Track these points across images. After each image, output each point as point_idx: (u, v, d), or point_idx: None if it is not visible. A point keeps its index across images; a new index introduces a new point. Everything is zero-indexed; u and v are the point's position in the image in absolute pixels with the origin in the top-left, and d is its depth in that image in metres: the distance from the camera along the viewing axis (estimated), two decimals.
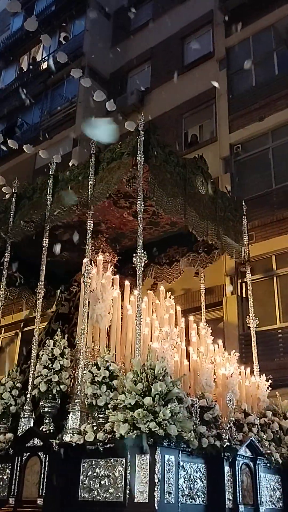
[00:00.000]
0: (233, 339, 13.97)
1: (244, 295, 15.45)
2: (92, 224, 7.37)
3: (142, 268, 6.61)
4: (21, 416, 6.86)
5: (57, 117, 21.29)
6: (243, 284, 15.51)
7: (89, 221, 7.35)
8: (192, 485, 5.96)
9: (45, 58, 23.33)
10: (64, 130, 20.75)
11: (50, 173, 8.22)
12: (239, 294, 15.31)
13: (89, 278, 6.95)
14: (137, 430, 5.47)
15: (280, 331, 14.07)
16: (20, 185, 8.80)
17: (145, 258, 6.61)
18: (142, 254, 6.60)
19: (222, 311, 15.11)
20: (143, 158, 7.00)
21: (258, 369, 8.13)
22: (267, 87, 17.27)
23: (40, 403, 6.64)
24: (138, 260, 6.58)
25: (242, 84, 18.28)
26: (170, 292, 8.57)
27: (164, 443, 5.50)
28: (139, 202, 6.84)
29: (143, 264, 6.58)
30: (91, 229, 7.34)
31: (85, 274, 6.95)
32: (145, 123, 7.31)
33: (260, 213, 14.91)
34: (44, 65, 23.06)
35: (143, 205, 6.86)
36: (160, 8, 21.16)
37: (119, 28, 22.55)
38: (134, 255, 6.62)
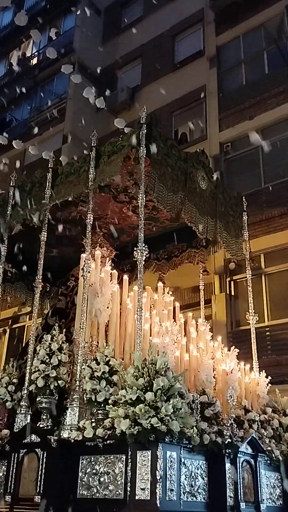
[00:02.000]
0: (222, 337, 13.97)
1: (232, 293, 15.51)
2: (92, 218, 7.26)
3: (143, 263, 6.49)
4: (17, 412, 6.73)
5: (46, 113, 21.14)
6: (232, 282, 15.57)
7: (89, 215, 7.23)
8: (193, 482, 5.87)
9: (35, 53, 23.17)
10: (54, 126, 20.63)
11: (49, 166, 8.09)
12: (228, 292, 15.34)
13: (89, 272, 6.83)
14: (138, 426, 5.35)
15: (268, 329, 14.09)
16: (17, 179, 8.65)
17: (146, 252, 6.50)
18: (144, 248, 6.50)
19: (211, 309, 15.11)
20: (144, 151, 6.89)
21: (258, 366, 8.08)
22: (257, 86, 17.33)
23: (37, 399, 6.51)
24: (139, 254, 6.47)
25: (232, 83, 18.33)
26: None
27: (166, 439, 5.40)
28: (140, 195, 6.73)
29: (144, 258, 6.47)
30: (91, 223, 7.22)
31: (84, 268, 6.83)
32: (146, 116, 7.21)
33: (249, 212, 14.92)
34: (34, 61, 22.91)
35: (144, 199, 6.76)
36: (151, 6, 21.10)
37: (109, 25, 22.48)
38: (135, 248, 6.51)
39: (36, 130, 20.47)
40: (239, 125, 17.23)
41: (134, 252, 6.51)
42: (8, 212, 8.27)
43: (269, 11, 18.00)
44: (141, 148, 6.93)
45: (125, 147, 7.14)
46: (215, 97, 18.22)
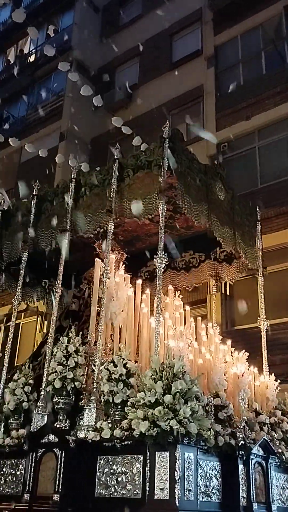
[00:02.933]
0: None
1: (228, 293, 15.66)
2: (112, 227, 7.39)
3: (162, 270, 6.66)
4: (34, 412, 6.87)
5: (44, 110, 21.16)
6: (227, 283, 15.72)
7: (110, 223, 7.37)
8: (208, 483, 6.03)
9: (33, 51, 23.14)
10: (51, 124, 20.67)
11: (71, 176, 8.17)
12: (223, 292, 15.47)
13: (108, 278, 6.98)
14: (157, 428, 5.51)
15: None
16: (40, 188, 8.73)
17: (165, 260, 6.66)
18: (163, 256, 6.67)
19: (206, 309, 15.25)
20: (166, 164, 7.06)
21: (268, 369, 8.27)
22: (255, 87, 17.48)
23: (54, 400, 6.64)
24: (158, 261, 6.63)
25: (230, 83, 18.41)
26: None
27: (184, 441, 5.56)
28: (160, 205, 6.93)
29: (163, 265, 6.63)
30: (112, 231, 7.37)
31: (104, 274, 6.98)
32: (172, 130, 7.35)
33: None
34: (32, 58, 22.89)
35: (165, 208, 6.93)
36: (149, 4, 21.18)
37: (108, 23, 22.51)
38: (155, 256, 6.68)
39: (33, 127, 20.52)
40: (236, 125, 17.36)
41: (154, 259, 6.67)
42: (31, 220, 8.37)
43: (267, 11, 18.15)
44: (163, 161, 7.09)
45: (152, 163, 7.25)
46: (212, 97, 18.36)
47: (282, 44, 17.64)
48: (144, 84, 20.26)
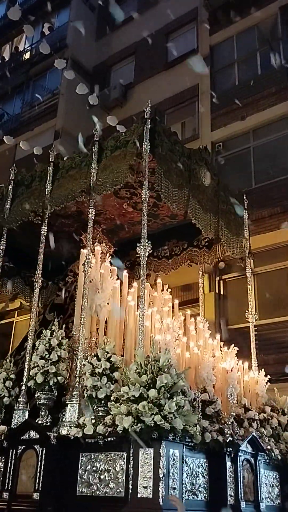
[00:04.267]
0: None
1: (221, 293, 15.52)
2: (93, 213, 7.18)
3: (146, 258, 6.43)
4: (15, 408, 6.64)
5: (38, 108, 20.98)
6: (221, 282, 15.59)
7: (90, 210, 7.16)
8: (194, 481, 5.84)
9: (28, 48, 22.99)
10: (46, 122, 20.49)
11: (50, 159, 7.99)
12: (217, 291, 15.34)
13: (90, 267, 6.75)
14: (141, 424, 5.29)
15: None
16: (17, 172, 8.57)
17: (149, 248, 6.43)
18: (147, 244, 6.43)
19: (198, 308, 15.09)
20: (149, 147, 6.83)
21: (257, 364, 8.08)
22: (250, 87, 17.31)
23: (36, 395, 6.44)
24: (142, 249, 6.40)
25: (225, 83, 18.31)
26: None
27: (169, 437, 5.34)
28: (143, 191, 6.65)
29: (147, 254, 6.40)
30: (93, 218, 7.15)
31: (85, 263, 6.75)
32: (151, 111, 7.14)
33: None
34: (27, 55, 22.73)
35: (148, 194, 6.68)
36: (145, 3, 21.05)
37: (103, 21, 22.33)
38: (138, 244, 6.44)
39: (27, 125, 20.34)
40: (231, 125, 17.24)
41: (137, 248, 6.43)
42: (7, 207, 8.16)
43: (263, 12, 18.01)
44: (144, 143, 6.85)
45: (129, 142, 7.05)
46: (207, 96, 18.22)
47: (278, 44, 17.49)
48: (139, 83, 20.08)
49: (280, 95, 16.65)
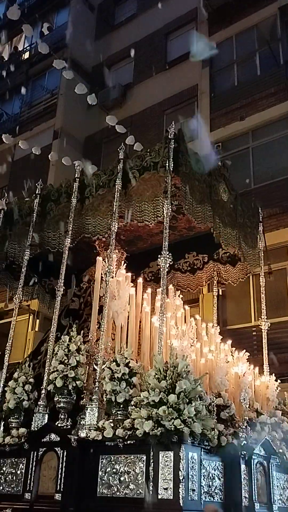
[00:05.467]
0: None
1: (220, 293, 15.68)
2: (116, 226, 7.35)
3: (167, 269, 6.64)
4: (35, 411, 6.83)
5: (37, 108, 21.07)
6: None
7: (113, 223, 7.32)
8: (210, 483, 6.02)
9: (27, 48, 23.02)
10: (45, 122, 20.59)
11: (75, 176, 8.09)
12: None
13: (112, 278, 6.95)
14: (161, 427, 5.49)
15: (254, 329, 14.25)
16: (43, 187, 8.66)
17: (170, 260, 6.64)
18: (168, 256, 6.64)
19: (198, 308, 15.25)
20: (172, 165, 7.03)
21: (268, 369, 8.28)
22: (249, 87, 17.51)
23: (55, 399, 6.59)
24: (163, 261, 6.61)
25: (224, 83, 18.45)
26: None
27: (188, 441, 5.54)
28: (165, 205, 6.90)
29: (167, 265, 6.61)
30: (115, 230, 7.32)
31: (107, 272, 6.94)
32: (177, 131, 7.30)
33: None
34: (26, 55, 22.76)
35: (170, 208, 6.91)
36: (145, 3, 21.14)
37: (103, 21, 22.42)
38: (159, 256, 6.65)
39: (26, 125, 20.42)
40: (230, 126, 17.38)
41: (158, 259, 6.64)
42: (34, 221, 8.29)
43: (262, 12, 18.18)
44: (168, 162, 7.05)
45: (157, 164, 7.20)
46: (206, 96, 18.36)
47: (277, 45, 17.64)
48: (138, 83, 20.22)
49: (279, 95, 16.82)
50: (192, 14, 19.98)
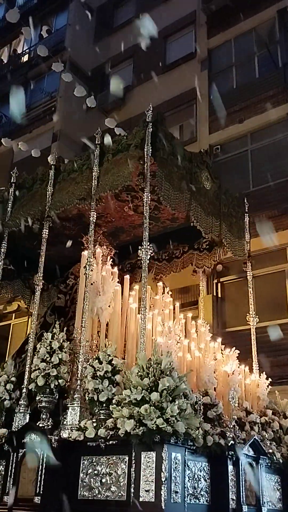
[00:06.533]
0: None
1: (219, 295, 15.52)
2: (95, 216, 7.16)
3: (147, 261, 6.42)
4: (16, 411, 6.61)
5: (36, 111, 20.96)
6: (219, 284, 15.58)
7: (92, 213, 7.12)
8: (196, 484, 5.80)
9: (26, 51, 22.96)
10: (44, 124, 20.48)
11: (51, 163, 7.98)
12: (215, 294, 15.34)
13: (91, 270, 6.73)
14: (143, 427, 5.28)
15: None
16: (18, 176, 8.55)
17: (150, 251, 6.42)
18: (148, 247, 6.42)
19: (197, 310, 15.08)
20: (150, 150, 6.82)
21: (257, 368, 8.07)
22: (248, 90, 17.35)
23: (37, 398, 6.39)
24: (143, 252, 6.39)
25: (223, 86, 18.31)
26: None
27: (171, 441, 5.32)
28: (145, 194, 6.66)
29: (148, 257, 6.39)
30: (94, 221, 7.13)
31: (86, 266, 6.73)
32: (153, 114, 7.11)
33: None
34: (25, 58, 22.70)
35: (149, 197, 6.69)
36: (144, 6, 21.03)
37: (101, 24, 22.34)
38: (139, 247, 6.43)
39: (25, 127, 20.32)
40: (229, 128, 17.25)
41: (139, 251, 6.42)
42: (9, 209, 8.15)
43: (261, 15, 18.06)
44: (146, 146, 6.85)
45: (131, 146, 7.03)
46: (205, 99, 18.24)
47: (275, 48, 17.52)
48: (137, 86, 20.08)
49: (277, 98, 16.68)
50: (191, 17, 19.86)
